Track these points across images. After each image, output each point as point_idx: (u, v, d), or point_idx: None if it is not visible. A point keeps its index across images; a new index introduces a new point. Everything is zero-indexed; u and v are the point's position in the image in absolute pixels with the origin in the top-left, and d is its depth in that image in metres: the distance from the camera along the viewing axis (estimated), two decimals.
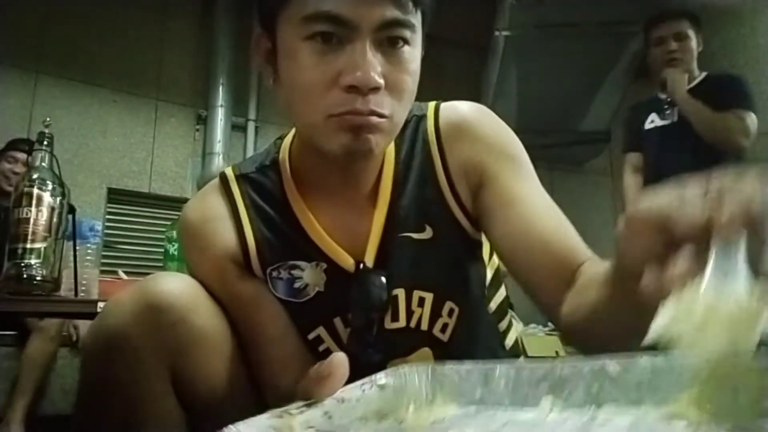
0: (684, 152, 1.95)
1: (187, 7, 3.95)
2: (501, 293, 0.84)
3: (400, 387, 0.47)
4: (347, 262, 0.68)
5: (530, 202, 0.66)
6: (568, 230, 0.66)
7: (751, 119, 1.91)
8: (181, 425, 0.63)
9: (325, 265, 0.68)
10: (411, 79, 0.60)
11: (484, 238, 0.75)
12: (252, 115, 4.03)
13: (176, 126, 3.86)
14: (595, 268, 0.59)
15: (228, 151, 3.82)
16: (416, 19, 0.59)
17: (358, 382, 0.45)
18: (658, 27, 2.06)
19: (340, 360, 0.43)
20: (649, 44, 2.10)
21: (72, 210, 1.47)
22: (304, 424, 0.38)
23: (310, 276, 0.68)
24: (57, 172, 1.41)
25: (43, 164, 1.39)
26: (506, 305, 0.84)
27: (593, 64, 3.56)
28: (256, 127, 4.04)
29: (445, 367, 0.48)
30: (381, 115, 0.57)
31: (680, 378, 0.34)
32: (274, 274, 0.69)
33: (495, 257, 0.82)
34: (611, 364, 0.39)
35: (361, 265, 0.67)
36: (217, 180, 0.74)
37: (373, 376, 0.46)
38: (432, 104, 0.73)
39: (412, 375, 0.48)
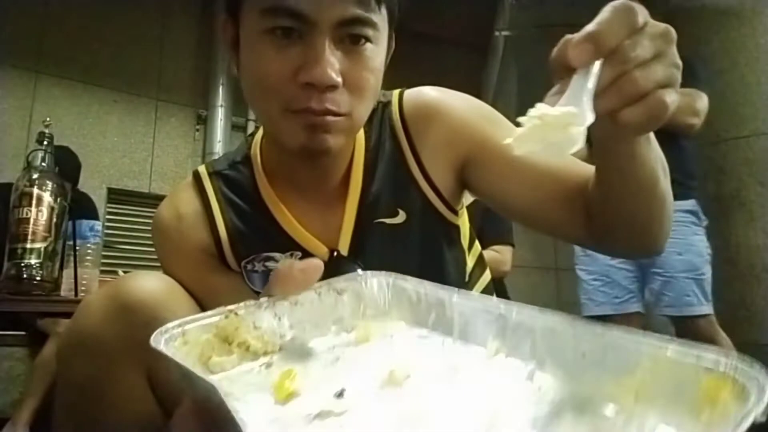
0: None
1: (187, 7, 3.95)
2: (485, 280, 0.84)
3: (357, 293, 0.46)
4: (320, 250, 0.68)
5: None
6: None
7: (700, 98, 1.93)
8: (159, 424, 0.63)
9: (299, 254, 0.69)
10: (373, 77, 0.60)
11: (461, 223, 0.75)
12: (252, 115, 4.03)
13: (176, 126, 3.86)
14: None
15: (228, 151, 3.82)
16: (379, 17, 0.58)
17: (315, 286, 0.44)
18: None
19: (314, 265, 0.42)
20: None
21: (72, 210, 1.47)
22: (250, 324, 0.38)
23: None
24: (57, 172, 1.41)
25: (43, 164, 1.39)
26: (491, 292, 0.84)
27: None
28: (256, 127, 4.03)
29: (407, 283, 0.47)
30: (336, 114, 0.57)
31: (627, 361, 0.32)
32: (249, 267, 0.70)
33: (476, 244, 0.82)
34: (563, 326, 0.37)
35: (335, 253, 0.68)
36: (190, 178, 0.75)
37: (330, 280, 0.45)
38: (396, 91, 0.74)
39: (371, 283, 0.47)
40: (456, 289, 0.44)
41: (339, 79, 0.55)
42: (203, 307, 0.66)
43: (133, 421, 0.61)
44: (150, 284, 0.63)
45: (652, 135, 0.50)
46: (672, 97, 0.38)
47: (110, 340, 0.59)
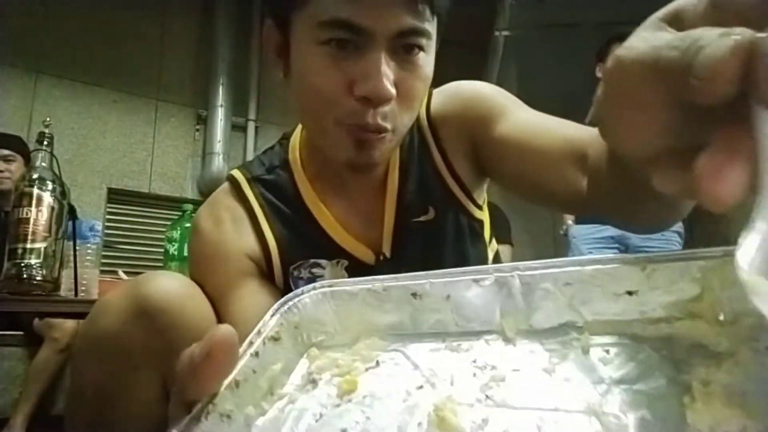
0: None
1: (187, 7, 3.95)
2: None
3: (294, 326, 0.34)
4: (367, 255, 0.68)
5: (525, 118, 0.65)
6: (567, 124, 0.63)
7: None
8: None
9: (346, 262, 0.68)
10: (423, 86, 0.60)
11: (484, 218, 0.75)
12: (252, 115, 4.03)
13: (176, 126, 3.86)
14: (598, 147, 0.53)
15: (228, 151, 3.82)
16: (432, 27, 0.58)
17: (243, 346, 0.31)
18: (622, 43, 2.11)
19: (222, 336, 0.28)
20: (604, 58, 2.08)
21: (72, 210, 1.47)
22: None
23: (330, 274, 0.68)
24: (57, 172, 1.41)
25: (43, 164, 1.39)
26: None
27: (593, 64, 3.56)
28: (256, 127, 4.04)
29: (354, 285, 0.35)
30: (385, 130, 0.57)
31: (681, 281, 0.25)
32: (296, 273, 0.69)
33: (494, 241, 0.82)
34: (587, 271, 0.28)
35: (381, 257, 0.68)
36: (227, 184, 0.73)
37: (259, 326, 0.33)
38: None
39: (303, 305, 0.35)
40: (426, 272, 0.34)
41: (394, 92, 0.55)
42: (221, 317, 0.65)
43: (149, 426, 0.59)
44: (169, 287, 0.61)
45: None
46: None
47: (128, 345, 0.58)
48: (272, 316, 0.34)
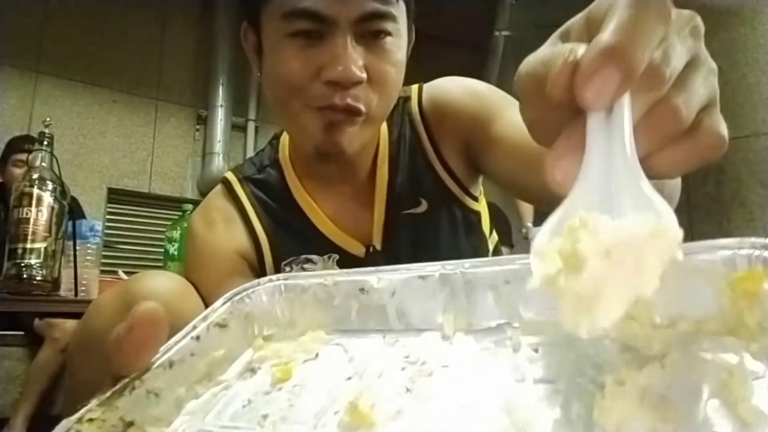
0: None
1: (187, 7, 3.95)
2: None
3: (245, 317, 0.34)
4: (357, 248, 0.69)
5: (519, 118, 0.64)
6: None
7: None
8: None
9: (337, 257, 0.69)
10: (395, 70, 0.60)
11: (481, 209, 0.76)
12: (252, 115, 4.03)
13: (176, 126, 3.86)
14: None
15: (228, 151, 3.83)
16: (398, 9, 0.59)
17: (187, 329, 0.32)
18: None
19: (146, 311, 0.28)
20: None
21: (72, 210, 1.47)
22: (120, 424, 0.26)
23: (323, 269, 0.69)
24: (57, 172, 1.41)
25: (43, 164, 1.39)
26: None
27: None
28: (256, 127, 4.04)
29: (305, 279, 0.35)
30: (356, 111, 0.57)
31: None
32: (287, 269, 0.70)
33: (494, 233, 0.83)
34: (520, 264, 0.28)
35: (371, 249, 0.68)
36: (220, 186, 0.75)
37: (206, 314, 0.33)
38: (415, 86, 0.74)
39: (258, 295, 0.35)
40: (373, 268, 0.35)
41: (363, 75, 0.56)
42: None
43: None
44: (161, 287, 0.61)
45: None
46: (723, 126, 0.25)
47: None
48: (223, 304, 0.34)
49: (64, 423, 0.26)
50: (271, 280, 0.36)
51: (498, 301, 0.29)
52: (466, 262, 0.31)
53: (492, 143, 0.66)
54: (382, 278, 0.33)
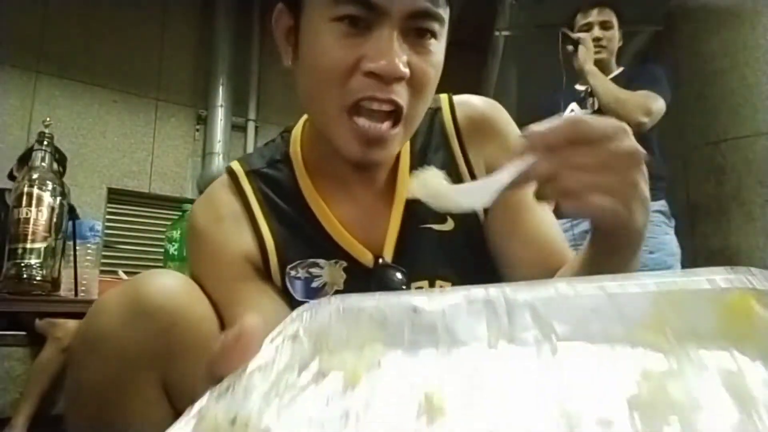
0: None
1: (187, 7, 3.95)
2: None
3: (313, 332, 0.39)
4: (366, 257, 0.66)
5: (534, 206, 0.66)
6: (559, 234, 0.69)
7: (655, 100, 1.92)
8: None
9: (344, 263, 0.66)
10: (434, 72, 0.59)
11: None
12: (252, 115, 4.03)
13: (176, 126, 3.86)
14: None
15: (228, 151, 3.82)
16: (445, 13, 0.58)
17: (269, 339, 0.38)
18: (587, 14, 2.11)
19: (250, 325, 0.36)
20: (574, 30, 2.13)
21: (72, 210, 1.47)
22: (227, 416, 0.31)
23: (329, 274, 0.66)
24: (60, 170, 1.41)
25: (43, 164, 1.39)
26: None
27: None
28: (256, 127, 4.04)
29: (361, 300, 0.40)
30: (398, 106, 0.56)
31: (640, 305, 0.31)
32: (293, 273, 0.66)
33: None
34: (558, 290, 0.34)
35: (380, 260, 0.66)
36: (225, 177, 0.71)
37: (280, 327, 0.39)
38: (444, 96, 0.72)
39: (323, 314, 0.40)
40: (423, 290, 0.41)
41: (407, 71, 0.54)
42: (222, 316, 0.64)
43: (147, 427, 0.58)
44: (168, 286, 0.60)
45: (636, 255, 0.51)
46: (605, 203, 0.42)
47: (126, 345, 0.57)
48: (293, 321, 0.40)
49: (191, 410, 0.32)
50: (329, 302, 0.41)
51: (536, 319, 0.34)
52: (507, 287, 0.36)
53: (505, 205, 0.66)
54: (432, 299, 0.38)
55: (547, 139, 0.42)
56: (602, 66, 2.04)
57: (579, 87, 2.13)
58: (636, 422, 0.24)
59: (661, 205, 2.01)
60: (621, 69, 2.11)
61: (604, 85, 1.96)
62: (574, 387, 0.28)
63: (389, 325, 0.38)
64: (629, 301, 0.31)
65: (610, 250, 0.50)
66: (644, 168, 0.44)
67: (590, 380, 0.28)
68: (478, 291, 0.37)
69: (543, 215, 0.67)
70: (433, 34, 0.57)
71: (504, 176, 0.44)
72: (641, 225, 0.45)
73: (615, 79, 2.03)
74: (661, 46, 3.44)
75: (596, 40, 2.05)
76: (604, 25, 2.09)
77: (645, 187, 0.44)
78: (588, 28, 2.10)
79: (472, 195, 0.46)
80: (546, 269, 0.62)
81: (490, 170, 0.68)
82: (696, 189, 3.05)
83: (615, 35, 2.10)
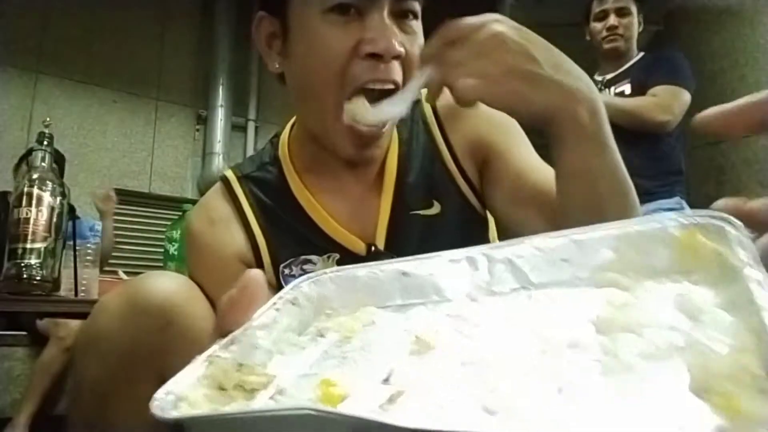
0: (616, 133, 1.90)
1: (187, 7, 3.95)
2: None
3: (311, 297, 0.43)
4: (358, 246, 0.68)
5: (536, 168, 0.67)
6: (548, 173, 0.68)
7: (677, 95, 1.83)
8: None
9: (337, 256, 0.68)
10: (419, 50, 0.61)
11: (489, 217, 0.75)
12: (252, 115, 4.03)
13: (176, 126, 3.86)
14: None
15: (228, 151, 3.83)
16: None
17: (270, 302, 0.41)
18: (602, 1, 2.00)
19: (253, 277, 0.38)
20: (589, 18, 2.03)
21: (72, 210, 1.47)
22: (234, 363, 0.34)
23: (322, 270, 0.68)
24: (61, 170, 1.41)
25: (43, 164, 1.39)
26: None
27: (593, 64, 3.56)
28: (256, 127, 4.04)
29: (356, 269, 0.44)
30: (397, 84, 0.59)
31: (603, 249, 0.35)
32: (286, 271, 0.68)
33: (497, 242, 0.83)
34: (533, 243, 0.38)
35: (373, 248, 0.67)
36: (219, 184, 0.74)
37: (280, 293, 0.42)
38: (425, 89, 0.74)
39: (323, 281, 0.44)
40: (415, 256, 0.43)
41: (402, 49, 0.57)
42: None
43: (146, 425, 0.60)
44: (168, 287, 0.62)
45: (609, 148, 0.53)
46: (468, 83, 0.48)
47: (125, 343, 0.58)
48: (293, 289, 0.43)
49: (199, 358, 0.34)
50: (325, 273, 0.45)
51: (513, 272, 0.38)
52: (484, 247, 0.40)
53: (500, 159, 0.67)
54: (421, 263, 0.42)
55: (430, 49, 0.50)
56: (619, 54, 1.96)
57: (596, 77, 2.06)
58: (600, 340, 0.28)
59: (675, 202, 1.87)
60: (641, 55, 2.01)
61: (607, 107, 1.92)
62: (546, 318, 0.32)
63: (382, 289, 0.42)
64: (594, 247, 0.35)
65: (563, 146, 0.52)
66: (528, 46, 0.48)
67: (560, 313, 0.32)
68: (460, 252, 0.40)
69: (545, 173, 0.67)
70: (415, 15, 0.61)
71: (411, 86, 0.54)
72: (562, 108, 0.49)
73: (634, 66, 1.96)
74: (661, 46, 3.44)
75: (611, 28, 1.96)
76: (621, 12, 1.97)
77: (539, 68, 0.48)
78: (603, 15, 1.99)
79: (393, 106, 0.55)
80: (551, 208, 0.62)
81: (476, 150, 0.70)
82: (696, 189, 3.05)
83: (633, 21, 1.98)
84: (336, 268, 0.46)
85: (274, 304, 0.41)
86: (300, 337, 0.40)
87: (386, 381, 0.30)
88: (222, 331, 0.37)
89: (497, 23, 0.48)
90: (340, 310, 0.43)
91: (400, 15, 0.59)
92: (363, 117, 0.56)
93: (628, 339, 0.27)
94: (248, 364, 0.35)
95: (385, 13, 0.57)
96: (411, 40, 0.60)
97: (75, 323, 2.27)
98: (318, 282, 0.44)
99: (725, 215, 0.30)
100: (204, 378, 0.33)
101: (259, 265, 0.68)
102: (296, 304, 0.42)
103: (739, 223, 0.30)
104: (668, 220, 0.33)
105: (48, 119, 1.52)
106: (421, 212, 0.69)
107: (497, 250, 0.39)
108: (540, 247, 0.37)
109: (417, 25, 0.61)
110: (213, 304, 0.65)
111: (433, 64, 0.50)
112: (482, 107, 0.70)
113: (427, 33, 0.56)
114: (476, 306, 0.37)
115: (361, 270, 0.44)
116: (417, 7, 0.60)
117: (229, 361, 0.34)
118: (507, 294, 0.37)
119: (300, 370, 0.35)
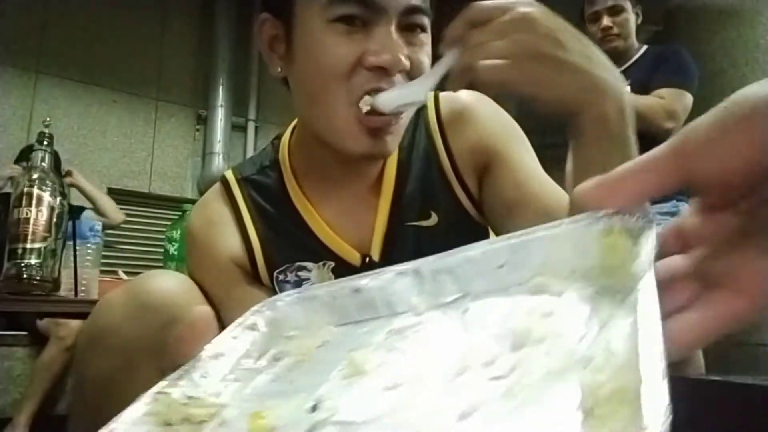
0: None
1: (187, 7, 3.95)
2: None
3: (271, 320, 0.44)
4: (353, 257, 0.67)
5: (536, 177, 0.67)
6: (562, 192, 0.67)
7: (678, 98, 1.78)
8: None
9: (332, 264, 0.67)
10: (427, 62, 0.60)
11: (489, 228, 0.74)
12: (252, 115, 4.03)
13: (176, 126, 3.87)
14: None
15: (228, 151, 3.83)
16: (430, 8, 0.61)
17: (227, 331, 0.41)
18: (592, 3, 1.95)
19: (200, 314, 0.40)
20: (584, 22, 1.97)
21: (72, 210, 1.47)
22: (183, 397, 0.35)
23: (317, 277, 0.68)
24: (61, 171, 1.41)
25: (43, 164, 1.39)
26: None
27: None
28: (256, 127, 4.04)
29: (317, 289, 0.45)
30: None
31: (537, 252, 0.35)
32: (281, 277, 0.68)
33: None
34: (475, 251, 0.38)
35: (367, 259, 0.67)
36: (218, 185, 0.73)
37: (239, 320, 0.43)
38: (431, 94, 0.73)
39: (282, 304, 0.45)
40: (368, 272, 0.43)
41: (408, 63, 0.57)
42: (222, 318, 0.64)
43: None
44: (169, 285, 0.62)
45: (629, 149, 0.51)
46: (491, 64, 0.46)
47: (128, 339, 0.59)
48: (253, 314, 0.44)
49: (146, 394, 0.34)
50: (289, 295, 0.45)
51: (455, 282, 0.38)
52: (429, 258, 0.40)
53: (501, 166, 0.67)
54: (372, 279, 0.42)
55: (455, 30, 0.49)
56: (618, 54, 1.88)
57: None
58: (511, 357, 0.28)
59: (671, 206, 1.83)
60: (643, 49, 1.96)
61: None
62: (473, 333, 0.33)
63: (338, 307, 0.43)
64: (530, 251, 0.35)
65: (584, 139, 0.50)
66: (557, 31, 0.47)
67: (487, 326, 0.33)
68: (407, 264, 0.41)
69: (545, 182, 0.67)
70: (423, 29, 0.60)
71: (434, 71, 0.53)
72: (590, 101, 0.47)
73: (637, 63, 1.92)
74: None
75: (606, 29, 1.90)
76: (613, 11, 1.91)
77: (567, 55, 0.46)
78: (596, 17, 1.93)
79: (412, 90, 0.55)
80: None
81: (477, 156, 0.68)
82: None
83: (627, 17, 1.92)
84: (297, 289, 0.46)
85: (231, 332, 0.41)
86: (257, 362, 0.40)
87: (314, 409, 0.31)
88: (172, 366, 0.37)
89: (526, 5, 0.47)
90: (302, 331, 0.43)
91: (407, 28, 0.58)
92: (381, 104, 0.56)
93: (537, 353, 0.27)
94: (197, 396, 0.35)
95: (393, 27, 0.56)
96: (418, 52, 0.59)
97: (75, 323, 2.27)
98: (280, 304, 0.45)
99: (652, 216, 0.29)
100: (147, 415, 0.33)
101: (254, 269, 0.68)
102: (255, 329, 0.42)
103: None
104: (599, 220, 0.32)
105: (48, 119, 1.52)
106: (418, 223, 0.68)
107: (442, 260, 0.40)
108: (479, 254, 0.38)
109: (425, 37, 0.60)
110: (211, 303, 0.65)
111: (456, 47, 0.49)
112: (485, 113, 0.70)
113: (435, 42, 0.57)
114: (417, 320, 0.38)
115: (320, 289, 0.44)
116: (425, 21, 0.60)
117: (177, 395, 0.35)
118: (449, 305, 0.38)
119: (247, 398, 0.36)
